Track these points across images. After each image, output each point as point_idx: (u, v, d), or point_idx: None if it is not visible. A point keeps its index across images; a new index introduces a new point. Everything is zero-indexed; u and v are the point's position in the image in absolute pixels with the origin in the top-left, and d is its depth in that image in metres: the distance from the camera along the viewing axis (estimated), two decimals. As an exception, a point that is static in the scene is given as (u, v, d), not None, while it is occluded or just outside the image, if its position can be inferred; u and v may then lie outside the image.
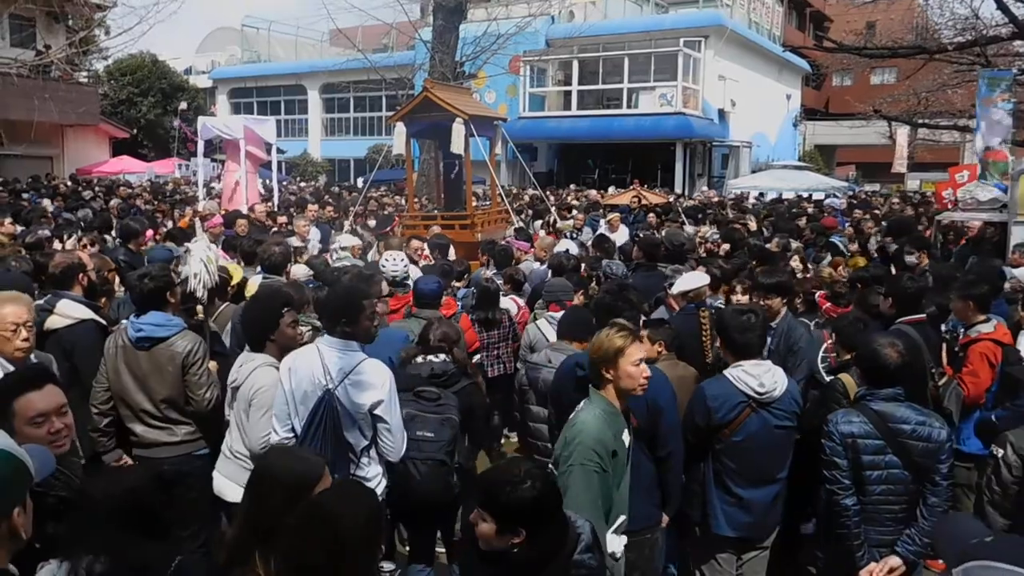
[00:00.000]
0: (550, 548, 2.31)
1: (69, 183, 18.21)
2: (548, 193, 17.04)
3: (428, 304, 4.92)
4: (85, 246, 6.90)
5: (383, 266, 5.73)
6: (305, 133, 35.70)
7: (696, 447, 3.50)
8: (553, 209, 12.76)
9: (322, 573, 1.94)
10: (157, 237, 8.32)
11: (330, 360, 3.37)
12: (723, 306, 5.22)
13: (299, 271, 6.20)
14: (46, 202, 12.91)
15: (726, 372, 3.51)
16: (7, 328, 3.27)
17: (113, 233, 8.66)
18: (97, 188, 16.91)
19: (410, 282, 5.57)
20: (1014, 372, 3.93)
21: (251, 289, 5.18)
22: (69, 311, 4.21)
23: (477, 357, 5.49)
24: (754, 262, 7.06)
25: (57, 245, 7.15)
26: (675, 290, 5.37)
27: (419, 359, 3.99)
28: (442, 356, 3.97)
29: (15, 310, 3.31)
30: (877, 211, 14.90)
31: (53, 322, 4.15)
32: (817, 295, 5.98)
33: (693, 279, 5.44)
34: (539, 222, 11.89)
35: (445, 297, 5.45)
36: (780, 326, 4.59)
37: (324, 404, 3.32)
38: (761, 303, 4.60)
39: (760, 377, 3.39)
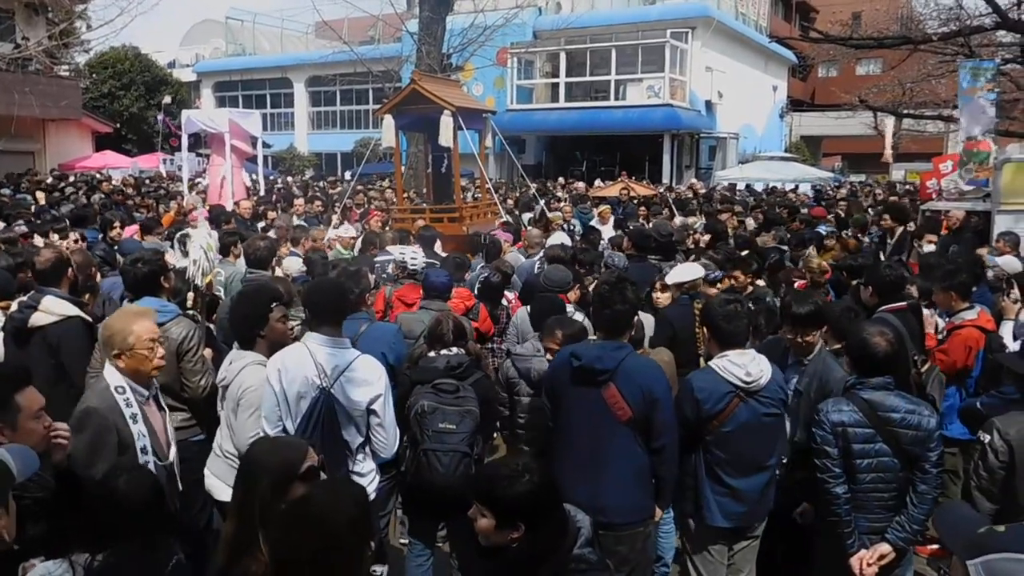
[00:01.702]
0: (549, 542, 2.30)
1: (50, 179, 18.02)
2: (537, 185, 17.03)
3: (438, 296, 4.93)
4: (76, 241, 6.86)
5: (413, 260, 5.72)
6: (291, 127, 35.45)
7: (686, 439, 3.50)
8: (542, 201, 12.74)
9: (311, 568, 1.93)
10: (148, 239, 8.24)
11: (322, 358, 3.35)
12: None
13: (292, 265, 6.18)
14: (39, 195, 12.80)
15: (711, 363, 3.51)
16: (145, 346, 3.11)
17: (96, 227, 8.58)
18: (77, 183, 16.71)
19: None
20: (998, 358, 3.96)
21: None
22: (54, 308, 4.17)
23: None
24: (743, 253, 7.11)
25: (39, 241, 7.09)
26: (669, 281, 5.39)
27: (432, 353, 3.97)
28: (455, 349, 3.96)
29: (149, 326, 3.18)
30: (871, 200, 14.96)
31: (38, 319, 4.11)
32: (797, 284, 6.01)
33: (688, 270, 5.46)
34: (527, 215, 11.88)
35: (462, 288, 5.49)
36: (814, 364, 3.82)
37: (321, 403, 3.29)
38: (798, 340, 3.83)
39: (746, 366, 3.40)
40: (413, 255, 5.69)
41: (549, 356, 3.94)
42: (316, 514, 1.96)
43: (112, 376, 3.08)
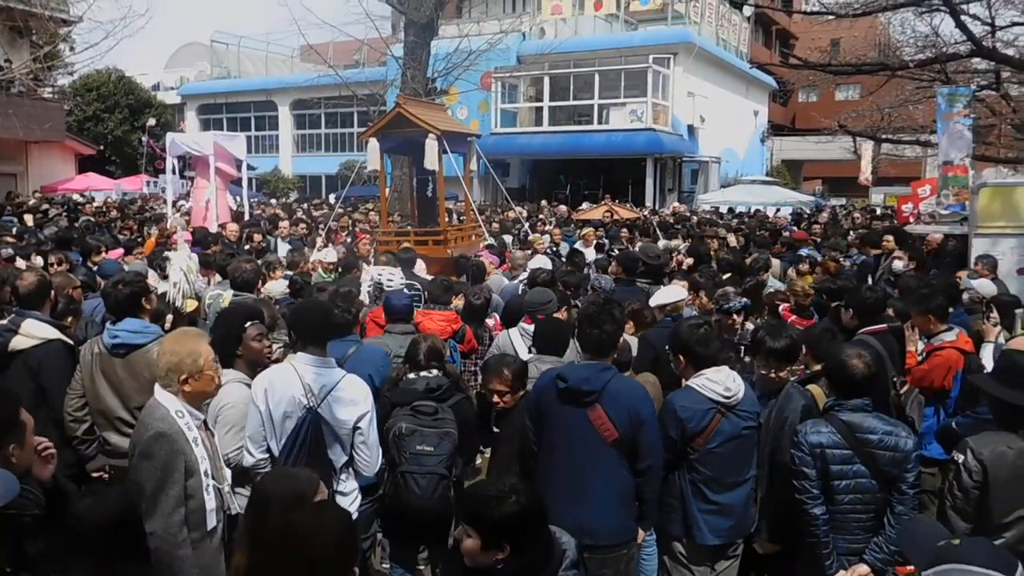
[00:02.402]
0: (534, 564, 2.32)
1: (32, 200, 17.91)
2: (523, 208, 17.15)
3: (400, 319, 4.92)
4: (52, 264, 6.81)
5: (389, 281, 5.72)
6: (276, 149, 35.48)
7: (669, 460, 3.52)
8: (527, 224, 12.82)
9: None
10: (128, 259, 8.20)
11: (309, 379, 3.37)
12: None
13: (276, 288, 6.17)
14: (27, 217, 12.74)
15: (690, 382, 3.56)
16: (211, 367, 3.05)
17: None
18: (55, 204, 16.58)
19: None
20: (972, 380, 4.02)
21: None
22: (35, 331, 4.14)
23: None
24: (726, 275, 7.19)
25: (22, 263, 7.05)
26: (654, 302, 5.43)
27: (411, 375, 3.98)
28: (435, 371, 3.97)
29: (209, 347, 3.12)
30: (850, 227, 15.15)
31: (18, 343, 4.08)
32: (781, 308, 6.07)
33: (672, 292, 5.51)
34: (508, 238, 11.94)
35: (448, 311, 5.52)
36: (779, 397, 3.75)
37: (308, 423, 3.31)
38: (771, 375, 3.74)
39: (724, 382, 3.47)
40: (390, 276, 5.70)
41: (496, 398, 3.87)
42: (304, 536, 1.97)
43: (169, 401, 3.00)
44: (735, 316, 5.33)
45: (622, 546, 3.44)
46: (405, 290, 5.79)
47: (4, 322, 4.18)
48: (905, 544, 2.02)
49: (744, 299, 5.54)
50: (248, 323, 3.63)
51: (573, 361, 3.77)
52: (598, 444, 3.33)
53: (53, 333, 4.20)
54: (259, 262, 6.63)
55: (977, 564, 1.72)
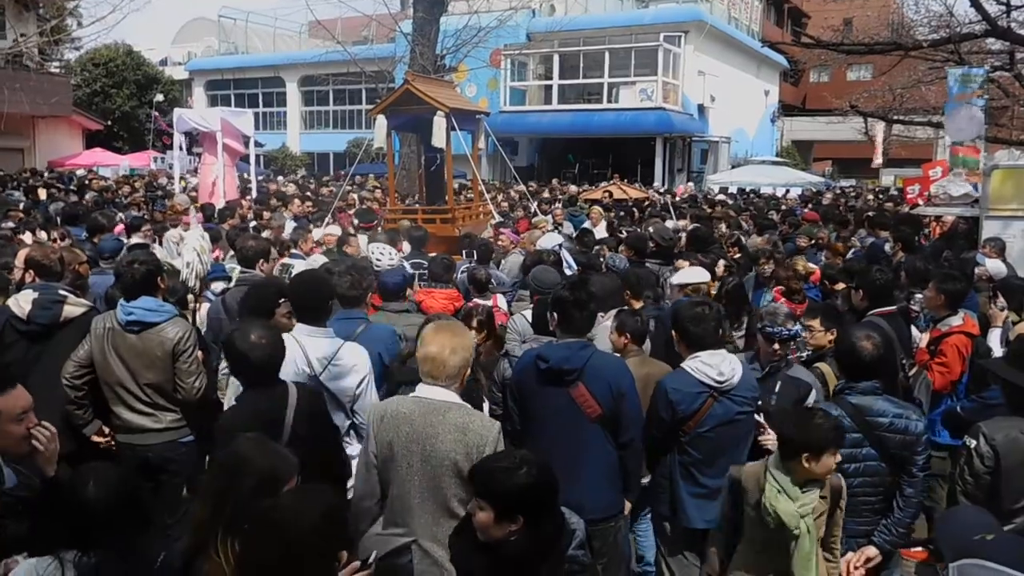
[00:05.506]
0: (547, 538, 2.32)
1: (44, 176, 17.93)
2: (533, 187, 17.09)
3: (393, 297, 4.88)
4: (56, 240, 6.82)
5: (378, 260, 5.68)
6: (284, 126, 35.36)
7: (661, 442, 3.52)
8: (534, 204, 12.77)
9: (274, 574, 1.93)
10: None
11: (311, 348, 3.41)
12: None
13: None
14: (41, 192, 12.77)
15: (684, 364, 3.54)
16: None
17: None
18: (48, 178, 16.54)
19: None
20: (983, 364, 4.00)
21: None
22: (76, 300, 4.24)
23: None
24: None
25: (28, 238, 7.06)
26: (675, 281, 5.40)
27: None
28: None
29: None
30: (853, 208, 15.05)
31: (71, 311, 4.12)
32: (772, 291, 6.01)
33: (693, 273, 5.46)
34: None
35: (451, 289, 5.49)
36: None
37: None
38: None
39: (718, 366, 3.44)
40: (379, 254, 5.62)
41: None
42: (281, 521, 1.96)
43: (455, 397, 2.84)
44: (777, 344, 3.86)
45: (610, 519, 3.46)
46: (407, 267, 5.76)
47: (36, 295, 4.11)
48: (940, 531, 1.99)
49: (797, 327, 4.06)
50: (281, 299, 3.77)
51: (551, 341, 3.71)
52: (582, 421, 3.35)
53: (87, 302, 4.29)
54: (265, 237, 6.62)
55: (1004, 563, 1.69)
